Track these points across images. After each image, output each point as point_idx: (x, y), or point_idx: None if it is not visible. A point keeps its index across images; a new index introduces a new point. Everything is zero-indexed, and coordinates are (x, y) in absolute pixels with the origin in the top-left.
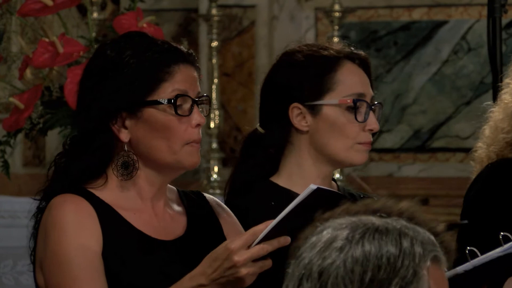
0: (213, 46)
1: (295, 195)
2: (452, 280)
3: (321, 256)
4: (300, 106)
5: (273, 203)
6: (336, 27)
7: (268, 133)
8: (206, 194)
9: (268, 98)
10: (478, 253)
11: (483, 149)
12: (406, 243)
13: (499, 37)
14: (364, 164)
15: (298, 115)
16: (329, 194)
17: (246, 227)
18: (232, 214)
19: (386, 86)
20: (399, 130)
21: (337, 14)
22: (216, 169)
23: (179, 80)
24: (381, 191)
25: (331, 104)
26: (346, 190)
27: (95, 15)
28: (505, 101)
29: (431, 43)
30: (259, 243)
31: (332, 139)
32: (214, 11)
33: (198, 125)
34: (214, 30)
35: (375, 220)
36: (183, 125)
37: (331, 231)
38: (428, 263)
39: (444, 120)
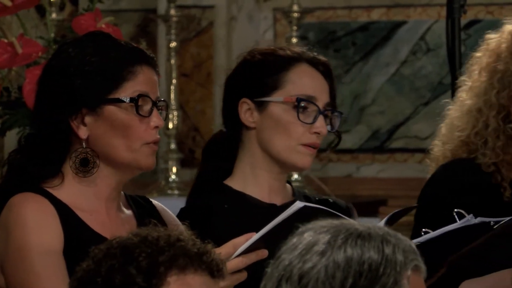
0: (172, 46)
1: (249, 197)
2: None
3: (302, 259)
4: (249, 101)
5: (226, 206)
6: (295, 28)
7: (227, 131)
8: (152, 200)
9: (225, 96)
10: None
11: (439, 147)
12: (388, 250)
13: (458, 38)
14: (323, 165)
15: (246, 111)
16: (315, 210)
17: (205, 233)
18: (178, 220)
19: (344, 86)
20: (357, 130)
21: (295, 14)
22: (174, 169)
23: (141, 81)
24: (340, 192)
25: (277, 101)
26: (301, 192)
27: (53, 15)
28: (461, 98)
29: (389, 43)
30: (238, 255)
31: (275, 137)
32: (172, 12)
33: (156, 127)
34: (173, 31)
35: (357, 225)
36: (142, 125)
37: (313, 233)
38: (409, 271)
39: (402, 120)
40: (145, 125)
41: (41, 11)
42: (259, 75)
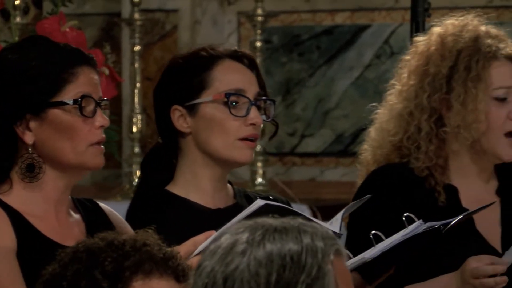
0: (136, 50)
1: (192, 203)
2: (360, 267)
3: (224, 262)
4: (179, 107)
5: (169, 212)
6: (259, 32)
7: (163, 141)
8: (99, 202)
9: (156, 107)
10: (383, 237)
11: (369, 152)
12: (307, 240)
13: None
14: (286, 169)
15: (179, 117)
16: (277, 208)
17: None
18: (126, 222)
19: (308, 90)
20: (321, 134)
21: (259, 18)
22: (138, 173)
23: (82, 82)
24: (304, 196)
25: (207, 101)
26: (242, 191)
27: (18, 19)
28: (391, 102)
29: (354, 47)
30: (198, 253)
31: (212, 137)
32: (136, 16)
33: (101, 126)
34: (137, 35)
35: (271, 221)
36: (87, 126)
37: (230, 236)
38: (332, 257)
39: (367, 123)
40: (90, 125)
41: (5, 15)
42: (184, 79)
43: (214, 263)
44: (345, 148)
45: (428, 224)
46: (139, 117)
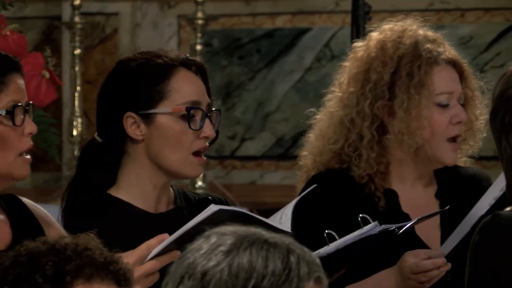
0: (76, 53)
1: (136, 208)
2: None
3: (207, 258)
4: (134, 115)
5: (110, 215)
6: (199, 35)
7: (105, 142)
8: (21, 198)
9: (104, 107)
10: (336, 236)
11: (309, 158)
12: (293, 260)
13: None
14: (227, 172)
15: (132, 124)
16: (232, 212)
17: None
18: (50, 216)
19: (249, 93)
20: (261, 137)
21: (200, 21)
22: None
23: (13, 90)
24: (244, 199)
25: (165, 112)
26: (181, 192)
27: None
28: (331, 109)
29: (294, 50)
30: (152, 257)
31: (166, 149)
32: (77, 19)
33: (30, 133)
34: (77, 38)
35: (264, 232)
36: (17, 135)
37: (219, 236)
38: (311, 283)
39: (307, 127)
40: (19, 134)
41: None
42: (140, 87)
43: (197, 256)
44: (285, 151)
45: (384, 226)
46: (79, 120)
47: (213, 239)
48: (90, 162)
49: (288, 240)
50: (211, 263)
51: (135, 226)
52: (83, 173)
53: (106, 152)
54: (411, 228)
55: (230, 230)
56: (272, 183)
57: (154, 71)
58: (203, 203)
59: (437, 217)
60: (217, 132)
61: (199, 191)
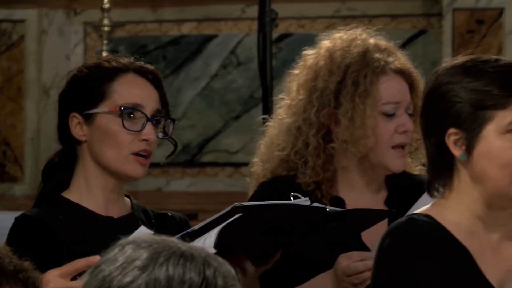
0: None
1: (85, 209)
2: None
3: (122, 272)
4: (77, 115)
5: (61, 216)
6: (105, 42)
7: (62, 146)
8: None
9: (58, 113)
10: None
11: (259, 166)
12: (209, 273)
13: (269, 51)
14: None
15: (76, 125)
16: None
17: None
18: None
19: None
20: (168, 144)
21: (106, 28)
22: None
23: None
24: (150, 206)
25: (103, 112)
26: (140, 206)
27: None
28: (280, 116)
29: (200, 57)
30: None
31: (105, 148)
32: None
33: None
34: None
35: (180, 244)
36: None
37: (134, 247)
38: None
39: (213, 134)
40: None
41: None
42: (85, 88)
43: (112, 269)
44: (191, 158)
45: (315, 204)
46: None
47: (129, 251)
48: (50, 168)
49: (205, 252)
50: (127, 279)
51: (85, 227)
52: (44, 180)
53: (64, 156)
54: (358, 235)
55: (146, 241)
56: (178, 190)
57: (99, 73)
58: (161, 218)
59: (385, 223)
60: (175, 142)
61: None
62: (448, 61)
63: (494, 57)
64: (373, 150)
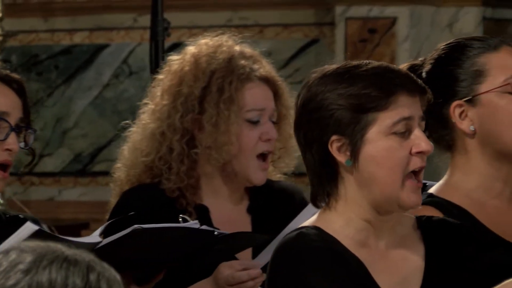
0: None
1: None
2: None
3: (5, 276)
4: None
5: None
6: None
7: None
8: None
9: None
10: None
11: (123, 171)
12: (92, 277)
13: (161, 60)
14: (25, 188)
15: None
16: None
17: None
18: None
19: (47, 110)
20: (59, 153)
21: None
22: None
23: None
24: (43, 216)
25: None
26: (1, 211)
27: None
28: (143, 121)
29: (92, 66)
30: None
31: None
32: None
33: None
34: None
35: (64, 249)
36: None
37: (18, 252)
38: None
39: (105, 143)
40: None
41: None
42: None
43: None
44: (83, 167)
45: (204, 226)
46: None
47: (13, 256)
48: None
49: (89, 257)
50: (10, 282)
51: None
52: None
53: None
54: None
55: (30, 246)
56: (70, 199)
57: None
58: (12, 220)
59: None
60: (33, 152)
61: None
62: (318, 71)
63: (364, 61)
64: (236, 157)
